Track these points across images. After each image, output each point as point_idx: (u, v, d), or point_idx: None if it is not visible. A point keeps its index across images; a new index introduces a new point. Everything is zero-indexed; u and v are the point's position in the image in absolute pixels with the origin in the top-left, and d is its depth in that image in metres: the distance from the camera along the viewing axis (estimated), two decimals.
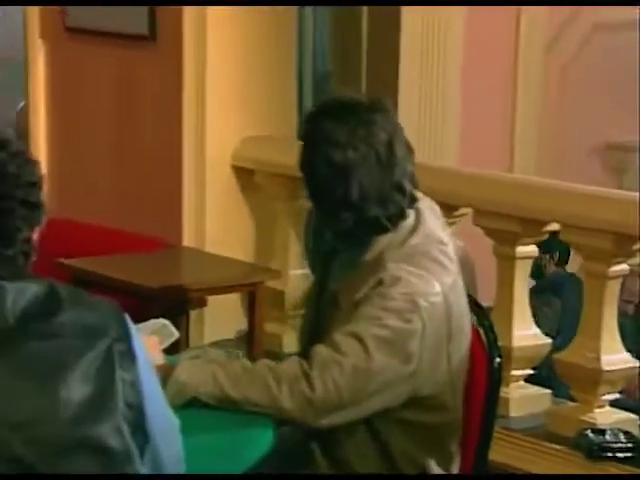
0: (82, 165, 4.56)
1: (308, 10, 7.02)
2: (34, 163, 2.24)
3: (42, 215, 2.24)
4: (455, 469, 3.02)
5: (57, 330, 2.18)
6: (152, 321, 3.03)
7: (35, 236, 2.23)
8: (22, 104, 6.67)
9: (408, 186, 2.87)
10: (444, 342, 2.88)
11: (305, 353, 2.87)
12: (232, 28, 4.75)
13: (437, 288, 2.84)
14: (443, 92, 6.40)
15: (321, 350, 2.77)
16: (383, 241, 2.87)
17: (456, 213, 4.28)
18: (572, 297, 5.25)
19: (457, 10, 6.37)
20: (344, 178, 2.82)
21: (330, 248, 3.07)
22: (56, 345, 2.17)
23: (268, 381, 2.77)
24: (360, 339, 2.76)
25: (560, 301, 5.61)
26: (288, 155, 4.35)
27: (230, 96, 4.81)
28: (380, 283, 2.82)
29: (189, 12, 4.63)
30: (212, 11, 4.65)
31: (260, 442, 2.77)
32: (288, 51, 5.07)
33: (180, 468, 2.43)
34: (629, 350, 4.13)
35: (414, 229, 2.89)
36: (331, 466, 2.96)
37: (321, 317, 3.03)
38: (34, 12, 5.01)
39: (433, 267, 2.87)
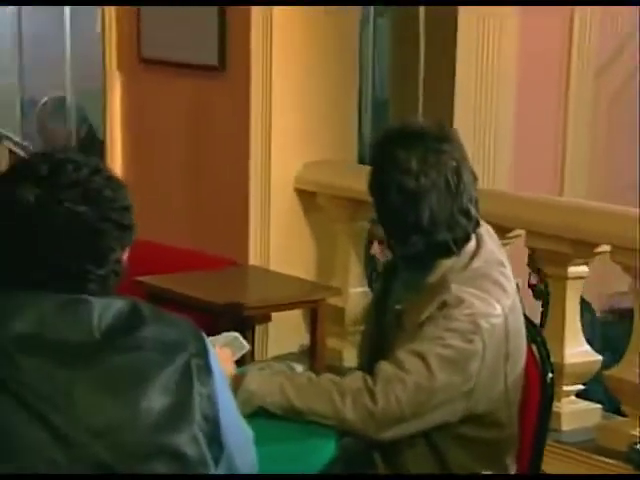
0: (156, 188, 4.59)
1: (368, 41, 7.06)
2: (125, 187, 2.27)
3: (132, 236, 2.26)
4: None
5: (139, 344, 2.20)
6: (224, 334, 3.04)
7: (125, 256, 2.25)
8: (45, 99, 6.60)
9: (473, 211, 2.87)
10: (502, 362, 2.88)
11: (365, 368, 2.88)
12: (296, 58, 4.76)
13: (498, 310, 2.84)
14: (496, 119, 6.38)
15: (385, 367, 2.77)
16: (447, 264, 2.87)
17: (509, 235, 4.26)
18: None
19: (510, 41, 6.35)
20: (415, 204, 2.83)
21: (391, 268, 3.09)
22: (138, 358, 2.19)
23: (332, 394, 2.77)
24: (423, 358, 2.77)
25: (589, 314, 5.57)
26: (348, 178, 4.39)
27: (294, 122, 4.83)
28: (444, 304, 2.81)
29: (256, 43, 4.65)
30: (278, 42, 4.67)
31: (324, 451, 2.77)
32: (349, 80, 5.07)
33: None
34: None
35: (475, 252, 2.89)
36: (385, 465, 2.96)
37: (383, 335, 3.02)
38: (112, 44, 5.05)
39: (494, 289, 2.87)
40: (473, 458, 2.94)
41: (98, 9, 5.32)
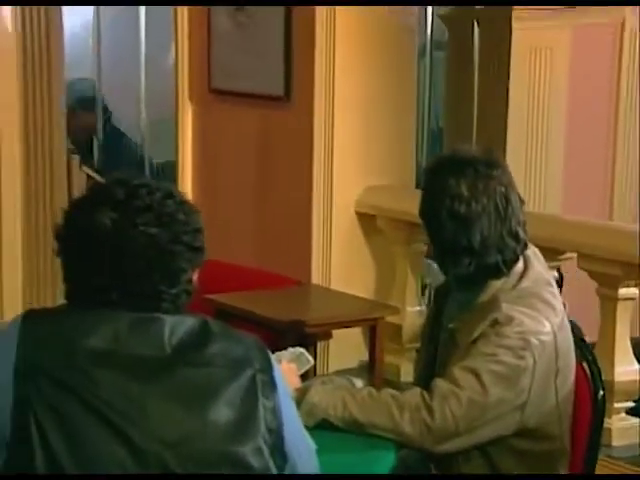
0: (224, 211, 4.59)
1: (425, 73, 7.07)
2: (197, 211, 2.26)
3: (203, 257, 2.26)
4: None
5: (208, 360, 2.19)
6: (290, 349, 3.05)
7: (195, 277, 2.25)
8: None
9: (522, 233, 2.86)
10: (552, 377, 2.85)
11: (422, 384, 2.86)
12: (357, 88, 4.77)
13: (547, 327, 2.82)
14: (547, 145, 6.36)
15: (441, 383, 2.76)
16: (497, 284, 2.85)
17: (562, 257, 4.23)
18: None
19: (561, 71, 6.33)
20: (467, 228, 2.82)
21: (444, 289, 3.06)
22: (207, 373, 2.19)
23: (392, 408, 2.76)
24: (477, 374, 2.75)
25: None
26: (406, 202, 4.36)
27: (355, 149, 4.82)
28: (495, 322, 2.80)
29: (319, 75, 4.66)
30: (340, 74, 4.67)
31: (383, 462, 2.75)
32: (407, 109, 5.07)
33: None
34: None
35: (524, 273, 2.87)
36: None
37: (438, 352, 3.00)
38: (184, 76, 5.09)
39: (544, 308, 2.85)
40: (526, 470, 2.90)
41: (172, 43, 5.33)
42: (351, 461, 2.75)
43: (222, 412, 2.16)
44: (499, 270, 2.85)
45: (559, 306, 2.90)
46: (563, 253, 4.22)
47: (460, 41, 7.11)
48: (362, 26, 4.72)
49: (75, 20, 5.87)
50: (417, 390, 2.78)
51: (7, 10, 5.37)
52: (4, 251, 5.61)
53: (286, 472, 2.27)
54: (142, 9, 5.97)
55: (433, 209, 2.87)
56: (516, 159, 6.24)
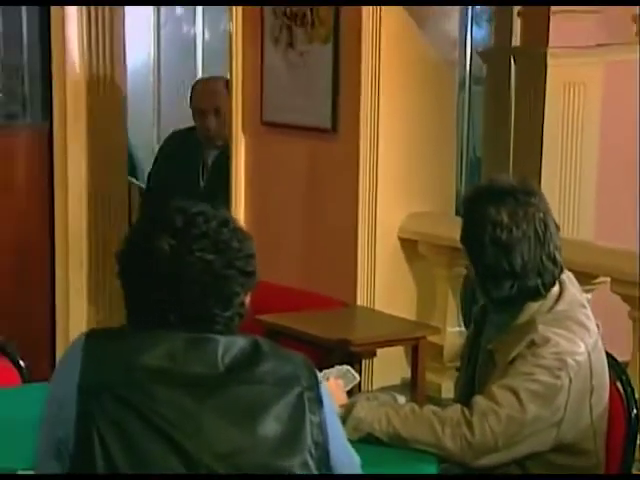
0: (275, 236, 4.58)
1: (464, 106, 7.07)
2: (250, 238, 2.26)
3: (255, 282, 2.26)
4: None
5: (259, 378, 2.19)
6: (337, 367, 3.06)
7: (247, 299, 2.24)
8: None
9: (559, 257, 2.85)
10: (587, 396, 2.83)
11: (462, 401, 2.84)
12: (400, 121, 4.75)
13: (582, 348, 2.80)
14: (580, 175, 6.35)
15: (480, 401, 2.75)
16: (534, 307, 2.85)
17: (595, 281, 4.19)
18: None
19: (594, 107, 6.31)
20: (508, 253, 2.81)
21: (483, 311, 3.05)
22: (257, 390, 2.18)
23: (434, 424, 2.75)
24: (515, 392, 2.74)
25: None
26: (446, 228, 4.35)
27: (398, 178, 4.81)
28: (532, 343, 2.78)
29: (365, 109, 4.66)
30: (384, 107, 4.67)
31: (425, 470, 2.74)
32: (448, 140, 5.05)
33: None
34: None
35: (559, 296, 2.87)
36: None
37: (477, 372, 2.98)
38: (238, 109, 5.10)
39: (578, 330, 2.83)
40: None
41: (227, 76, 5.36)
42: (393, 471, 2.73)
43: (271, 427, 2.15)
44: (538, 292, 2.84)
45: (593, 327, 2.88)
46: (596, 277, 4.17)
47: (497, 76, 7.12)
48: (405, 61, 4.71)
49: (137, 57, 5.91)
50: (458, 406, 2.77)
51: (75, 52, 5.46)
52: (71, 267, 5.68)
53: None
54: (199, 49, 6.02)
55: (475, 236, 2.86)
56: (550, 188, 6.22)
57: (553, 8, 6.54)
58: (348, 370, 3.08)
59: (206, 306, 2.18)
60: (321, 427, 2.20)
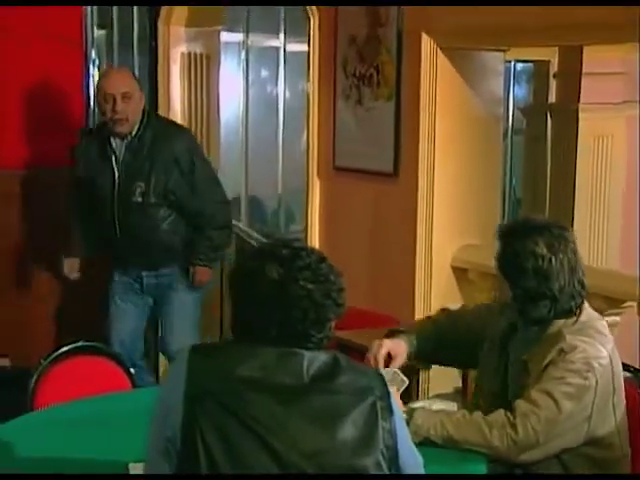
0: (344, 265, 4.57)
1: (507, 153, 7.04)
2: (341, 274, 2.27)
3: (343, 311, 2.26)
4: None
5: (338, 388, 2.18)
6: (384, 370, 3.02)
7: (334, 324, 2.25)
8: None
9: (586, 281, 2.88)
10: (611, 394, 2.83)
11: (492, 409, 2.83)
12: (453, 166, 4.73)
13: (604, 353, 2.82)
14: (607, 217, 6.30)
15: (521, 404, 2.75)
16: (561, 321, 2.87)
17: (623, 305, 4.11)
18: None
19: (620, 155, 6.27)
20: (548, 280, 2.83)
21: (510, 329, 3.03)
22: (337, 399, 2.17)
23: (482, 427, 2.75)
24: (550, 395, 2.74)
25: None
26: (492, 258, 4.29)
27: (451, 216, 4.78)
28: (562, 351, 2.79)
29: (422, 156, 4.64)
30: (440, 154, 4.65)
31: (477, 471, 2.74)
32: (494, 182, 5.02)
33: None
34: None
35: (581, 310, 2.89)
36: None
37: (509, 382, 2.96)
38: (313, 156, 5.12)
39: (599, 337, 2.85)
40: (596, 473, 2.88)
41: (304, 130, 5.36)
42: (450, 472, 2.71)
43: (349, 431, 2.14)
44: (571, 312, 2.86)
45: (609, 335, 2.90)
46: (624, 302, 4.10)
47: (535, 128, 7.11)
48: (457, 115, 4.68)
49: (229, 113, 5.96)
50: (501, 411, 2.76)
51: (178, 110, 5.51)
52: None
53: None
54: (281, 105, 6.04)
55: (517, 265, 2.85)
56: (582, 225, 6.20)
57: (585, 70, 6.53)
58: (395, 372, 3.05)
59: (304, 327, 2.19)
60: (391, 432, 2.19)
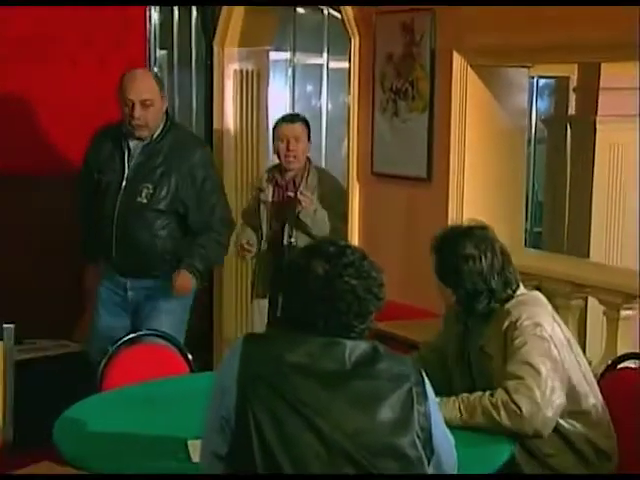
0: (381, 261, 4.59)
1: (530, 160, 6.97)
2: (382, 270, 2.27)
3: (383, 304, 2.27)
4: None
5: (377, 374, 2.17)
6: None
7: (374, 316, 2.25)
8: None
9: (515, 269, 2.97)
10: (566, 344, 2.87)
11: (467, 391, 2.84)
12: (482, 172, 4.67)
13: (541, 310, 2.89)
14: (624, 217, 6.24)
15: (508, 383, 2.73)
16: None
17: (634, 301, 4.03)
18: None
19: (633, 162, 6.19)
20: (482, 276, 2.89)
21: (464, 326, 3.05)
22: (376, 384, 2.17)
23: (491, 411, 2.73)
24: (524, 362, 2.74)
25: None
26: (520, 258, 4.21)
27: (479, 217, 4.51)
28: (512, 323, 2.83)
29: (453, 162, 4.60)
30: (469, 161, 4.61)
31: (504, 452, 2.72)
32: (518, 187, 4.96)
33: (454, 472, 2.37)
34: None
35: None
36: (529, 459, 2.89)
37: (473, 367, 2.98)
38: (353, 163, 5.09)
39: (533, 301, 2.93)
40: (588, 431, 2.91)
41: (345, 138, 5.35)
42: (480, 452, 2.69)
43: (386, 414, 2.14)
44: (510, 298, 2.91)
45: (542, 298, 2.98)
46: (635, 298, 4.02)
47: (556, 138, 7.04)
48: (485, 126, 4.64)
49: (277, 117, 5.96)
50: (500, 390, 2.74)
51: (231, 124, 5.51)
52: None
53: (433, 462, 2.22)
54: (324, 117, 6.03)
55: (453, 271, 2.91)
56: (599, 226, 6.14)
57: (601, 85, 6.49)
58: None
59: (348, 319, 2.18)
60: (426, 415, 2.18)
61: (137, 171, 4.24)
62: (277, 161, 4.92)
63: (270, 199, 4.87)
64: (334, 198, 4.89)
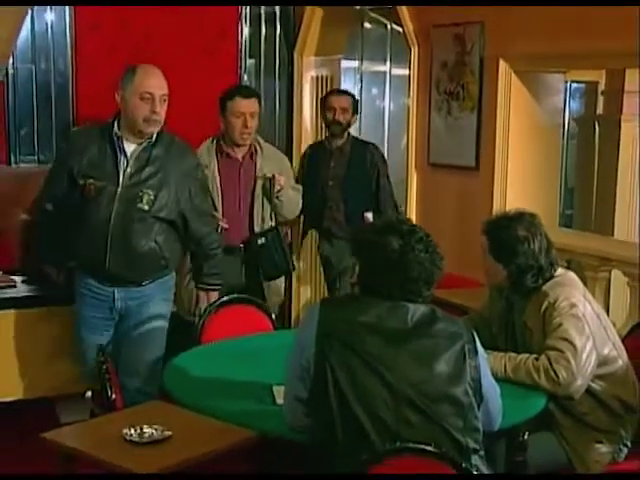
0: (436, 239, 4.55)
1: (564, 151, 6.81)
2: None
3: (442, 274, 2.23)
4: None
5: (435, 333, 2.14)
6: None
7: None
8: None
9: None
10: (597, 320, 2.79)
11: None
12: (523, 162, 4.57)
13: (575, 291, 2.81)
14: None
15: (550, 353, 2.69)
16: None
17: None
18: None
19: None
20: (533, 254, 2.83)
21: (507, 302, 2.98)
22: (434, 342, 2.14)
23: (532, 372, 2.69)
24: (563, 338, 2.69)
25: None
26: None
27: (519, 201, 4.54)
28: (550, 303, 2.77)
29: (498, 153, 4.52)
30: (513, 152, 4.53)
31: (538, 402, 2.67)
32: (553, 176, 4.84)
33: (500, 417, 2.32)
34: None
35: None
36: (565, 416, 2.82)
37: (518, 338, 2.90)
38: (412, 153, 5.03)
39: (570, 283, 2.85)
40: (616, 388, 2.84)
41: (405, 132, 5.27)
42: (519, 402, 2.63)
43: (442, 367, 2.11)
44: (552, 277, 2.84)
45: (577, 280, 2.89)
46: None
47: (586, 134, 6.89)
48: (526, 123, 4.53)
49: None
50: (543, 356, 2.69)
51: (308, 121, 5.47)
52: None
53: (482, 407, 2.19)
54: (387, 116, 5.95)
55: (508, 250, 2.83)
56: (624, 208, 5.98)
57: (626, 88, 6.34)
58: None
59: (418, 287, 2.16)
60: (477, 368, 2.15)
61: (134, 176, 3.36)
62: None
63: (217, 174, 4.02)
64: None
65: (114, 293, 3.45)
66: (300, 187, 4.35)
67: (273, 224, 4.15)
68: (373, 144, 4.80)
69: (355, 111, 4.71)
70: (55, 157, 3.58)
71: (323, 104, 4.71)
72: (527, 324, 2.83)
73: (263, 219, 4.12)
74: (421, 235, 2.17)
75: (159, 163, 3.40)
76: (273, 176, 4.04)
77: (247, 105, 4.00)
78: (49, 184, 3.51)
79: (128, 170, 3.37)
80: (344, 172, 4.65)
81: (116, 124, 3.38)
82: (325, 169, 4.67)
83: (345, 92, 4.81)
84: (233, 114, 4.00)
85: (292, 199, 4.16)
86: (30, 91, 4.75)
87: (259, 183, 4.08)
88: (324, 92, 5.39)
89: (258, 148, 4.12)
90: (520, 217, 2.87)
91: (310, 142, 5.46)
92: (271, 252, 4.10)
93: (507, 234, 2.82)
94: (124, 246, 3.37)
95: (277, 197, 4.07)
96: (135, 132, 3.36)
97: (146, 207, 3.37)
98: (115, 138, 3.37)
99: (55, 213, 3.48)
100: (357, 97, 5.59)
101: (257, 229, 4.12)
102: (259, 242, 4.08)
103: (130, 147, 3.39)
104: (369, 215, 4.61)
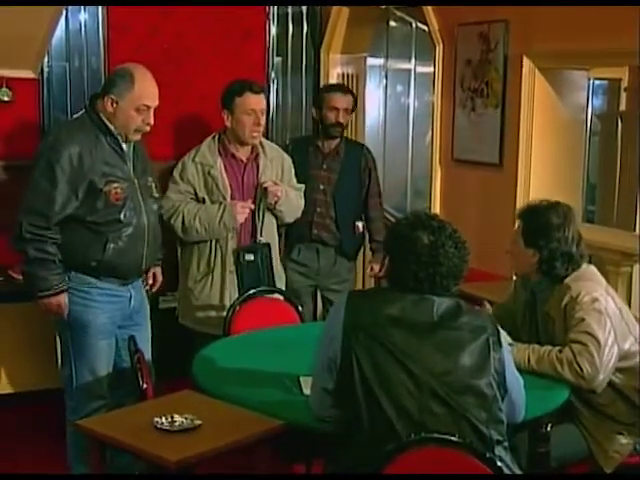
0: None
1: (587, 147, 6.74)
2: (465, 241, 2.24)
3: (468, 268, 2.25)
4: None
5: (459, 326, 2.13)
6: None
7: None
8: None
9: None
10: (618, 315, 2.77)
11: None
12: (546, 158, 4.54)
13: (597, 287, 2.80)
14: None
15: (573, 346, 2.69)
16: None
17: None
18: None
19: None
20: (566, 241, 2.84)
21: (531, 293, 2.98)
22: (459, 335, 2.13)
23: (556, 364, 2.68)
24: (586, 332, 2.68)
25: None
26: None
27: (543, 197, 4.49)
28: (572, 297, 2.76)
29: (522, 150, 4.49)
30: (535, 149, 4.50)
31: (562, 394, 2.66)
32: (577, 172, 4.80)
33: (523, 409, 2.31)
34: None
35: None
36: (586, 408, 2.82)
37: (540, 328, 2.90)
38: (436, 149, 5.01)
39: (592, 277, 2.85)
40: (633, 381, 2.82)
41: (429, 129, 5.24)
42: (542, 393, 2.63)
43: (466, 359, 2.10)
44: (579, 267, 2.84)
45: (598, 275, 2.89)
46: None
47: (609, 130, 6.81)
48: (549, 119, 4.49)
49: (372, 120, 5.92)
50: (567, 349, 2.68)
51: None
52: None
53: (506, 399, 2.18)
54: (411, 113, 5.92)
55: (543, 235, 2.84)
56: None
57: None
58: None
59: (447, 281, 2.17)
60: (500, 360, 2.14)
61: (137, 168, 3.28)
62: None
63: (225, 174, 3.82)
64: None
65: (130, 291, 3.30)
66: (302, 186, 4.09)
67: (274, 228, 3.95)
68: (365, 146, 4.57)
69: (353, 109, 4.45)
70: (52, 172, 3.10)
71: (321, 101, 4.25)
72: (550, 314, 2.83)
73: (264, 225, 3.90)
74: (450, 231, 2.18)
75: (136, 153, 3.29)
76: (266, 188, 3.79)
77: (258, 101, 3.75)
78: (57, 201, 3.09)
79: (131, 164, 3.25)
80: (336, 176, 4.29)
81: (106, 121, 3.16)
82: (316, 171, 4.30)
83: (347, 90, 4.43)
84: (244, 111, 3.75)
85: (293, 202, 3.95)
86: (64, 88, 4.79)
87: (260, 191, 3.88)
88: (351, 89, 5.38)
89: (261, 149, 3.91)
90: (556, 206, 2.88)
91: None
92: (257, 270, 3.84)
93: (543, 219, 2.83)
94: (154, 239, 3.33)
95: (275, 208, 3.88)
96: (122, 135, 3.21)
97: (157, 195, 3.38)
98: (117, 137, 3.19)
99: (68, 230, 3.15)
100: (381, 94, 5.57)
101: (259, 235, 3.89)
102: (247, 258, 3.80)
103: (123, 144, 3.24)
104: (359, 224, 4.42)
